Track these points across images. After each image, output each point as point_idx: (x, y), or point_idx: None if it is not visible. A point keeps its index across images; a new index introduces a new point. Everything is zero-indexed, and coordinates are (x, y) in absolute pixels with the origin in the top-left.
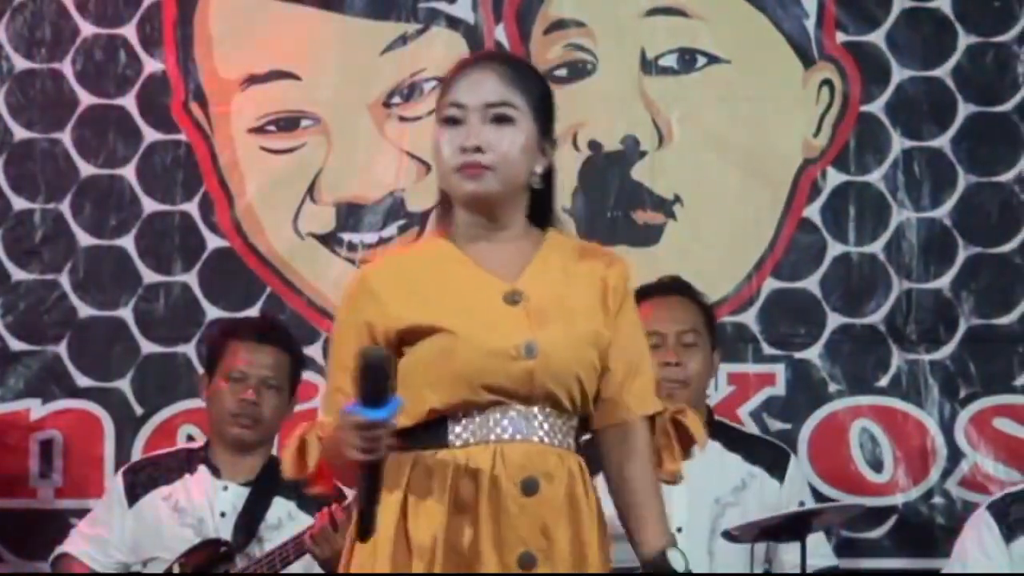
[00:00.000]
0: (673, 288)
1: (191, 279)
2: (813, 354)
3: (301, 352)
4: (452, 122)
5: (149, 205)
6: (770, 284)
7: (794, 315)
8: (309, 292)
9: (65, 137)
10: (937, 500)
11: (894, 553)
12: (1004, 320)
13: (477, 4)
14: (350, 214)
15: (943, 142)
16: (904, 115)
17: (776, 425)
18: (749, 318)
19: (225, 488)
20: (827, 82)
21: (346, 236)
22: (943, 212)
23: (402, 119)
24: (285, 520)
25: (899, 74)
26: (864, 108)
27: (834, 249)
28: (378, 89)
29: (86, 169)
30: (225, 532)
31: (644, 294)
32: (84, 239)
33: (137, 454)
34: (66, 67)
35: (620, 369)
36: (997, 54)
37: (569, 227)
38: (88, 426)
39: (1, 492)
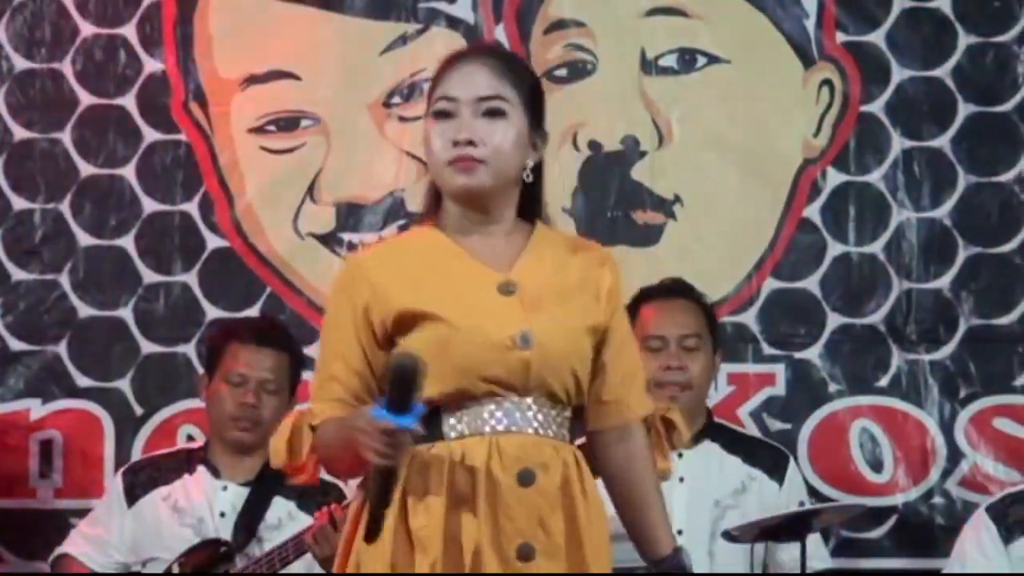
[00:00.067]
0: (675, 290)
1: (191, 279)
2: (813, 354)
3: (301, 352)
4: (443, 115)
5: (149, 205)
6: (770, 284)
7: (794, 315)
8: (309, 292)
9: (65, 137)
10: (937, 500)
11: (894, 553)
12: (1004, 320)
13: (477, 4)
14: (350, 214)
15: (943, 142)
16: (904, 115)
17: (776, 425)
18: (749, 318)
19: (224, 488)
20: (827, 82)
21: (346, 236)
22: (943, 212)
23: (402, 119)
24: (285, 520)
25: (899, 74)
26: (864, 108)
27: (834, 249)
28: (378, 89)
29: (86, 169)
30: (225, 532)
31: (645, 296)
32: (84, 239)
33: (137, 454)
34: (66, 67)
35: (620, 371)
36: (997, 54)
37: (567, 226)
38: (88, 426)
39: (1, 492)
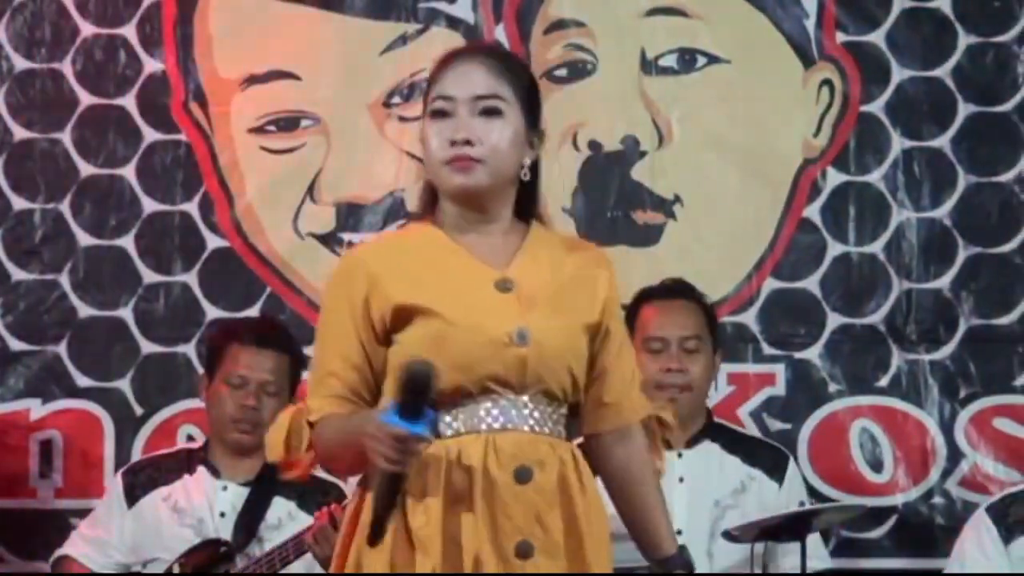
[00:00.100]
0: (675, 291)
1: (191, 279)
2: (813, 354)
3: (301, 353)
4: (440, 115)
5: (149, 205)
6: (770, 284)
7: (794, 315)
8: (309, 292)
9: (65, 137)
10: (937, 500)
11: (894, 553)
12: (1004, 320)
13: (477, 4)
14: (350, 214)
15: (943, 142)
16: (904, 115)
17: (776, 425)
18: (749, 318)
19: (224, 488)
20: (827, 82)
21: (346, 236)
22: (943, 212)
23: (402, 119)
24: (285, 520)
25: (899, 74)
26: (864, 108)
27: (834, 249)
28: (378, 89)
29: (86, 169)
30: (225, 532)
31: (646, 297)
32: (84, 239)
33: (137, 454)
34: (66, 67)
35: (620, 373)
36: (997, 54)
37: (567, 226)
38: (88, 426)
39: (1, 492)
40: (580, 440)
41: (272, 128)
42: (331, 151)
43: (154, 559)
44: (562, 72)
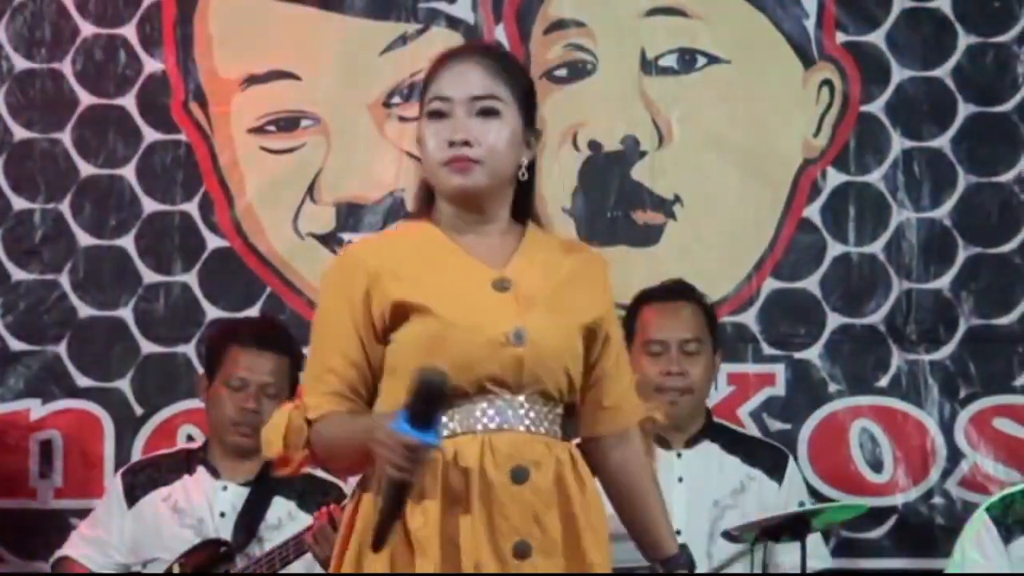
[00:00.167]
0: (676, 292)
1: (191, 279)
2: (813, 354)
3: (301, 354)
4: (438, 115)
5: (149, 205)
6: (770, 284)
7: (794, 315)
8: (309, 292)
9: (65, 137)
10: (937, 500)
11: (894, 553)
12: (1004, 320)
13: (477, 4)
14: (350, 214)
15: (943, 142)
16: (904, 115)
17: (776, 425)
18: (749, 318)
19: (224, 488)
20: (827, 82)
21: (346, 236)
22: (943, 212)
23: (402, 119)
24: (285, 520)
25: (899, 74)
26: (864, 108)
27: (834, 249)
28: (378, 89)
29: (86, 169)
30: (225, 532)
31: (646, 298)
32: (84, 239)
33: (137, 454)
34: (66, 67)
35: (619, 378)
36: (997, 54)
37: (567, 226)
38: (88, 426)
39: (1, 492)
40: (578, 441)
41: (272, 128)
42: (331, 151)
43: (154, 559)
44: (562, 72)
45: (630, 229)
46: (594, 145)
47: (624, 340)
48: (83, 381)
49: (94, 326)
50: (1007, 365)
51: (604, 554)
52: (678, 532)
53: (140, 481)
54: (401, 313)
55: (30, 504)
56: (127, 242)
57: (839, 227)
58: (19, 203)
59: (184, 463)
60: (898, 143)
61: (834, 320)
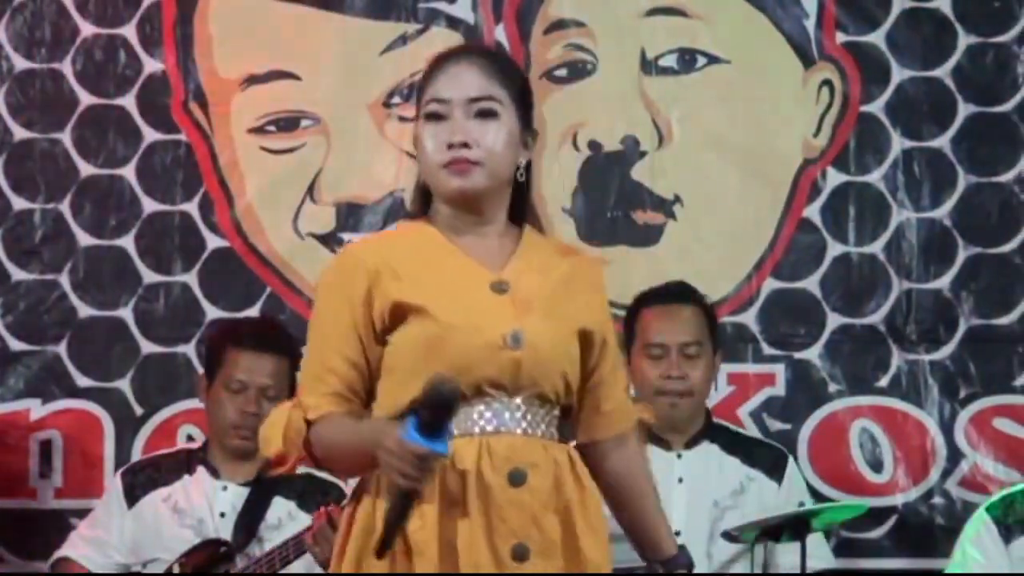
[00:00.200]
0: (675, 295)
1: (191, 279)
2: (813, 354)
3: (300, 354)
4: (435, 117)
5: (149, 205)
6: (770, 284)
7: (794, 315)
8: (309, 292)
9: (65, 137)
10: (937, 500)
11: (894, 553)
12: (1004, 320)
13: (477, 4)
14: (350, 214)
15: (943, 142)
16: (904, 115)
17: (776, 425)
18: (749, 318)
19: (224, 488)
20: (827, 82)
21: (346, 236)
22: (943, 212)
23: (402, 119)
24: (285, 520)
25: (899, 74)
26: (864, 108)
27: (834, 249)
28: (378, 89)
29: (86, 169)
30: (225, 532)
31: (646, 300)
32: (84, 239)
33: (137, 454)
34: (66, 67)
35: (615, 382)
36: (997, 54)
37: (567, 226)
38: (88, 426)
39: (1, 492)
40: (573, 444)
41: (272, 128)
42: (331, 151)
43: (154, 559)
44: (562, 72)
45: (630, 229)
46: (594, 145)
47: (623, 342)
48: (83, 381)
49: (94, 326)
50: (1007, 365)
51: (604, 555)
52: (678, 533)
53: (140, 481)
54: (400, 314)
55: (30, 504)
56: (127, 242)
57: (839, 227)
58: (19, 203)
59: (184, 463)
60: (898, 143)
61: (834, 320)
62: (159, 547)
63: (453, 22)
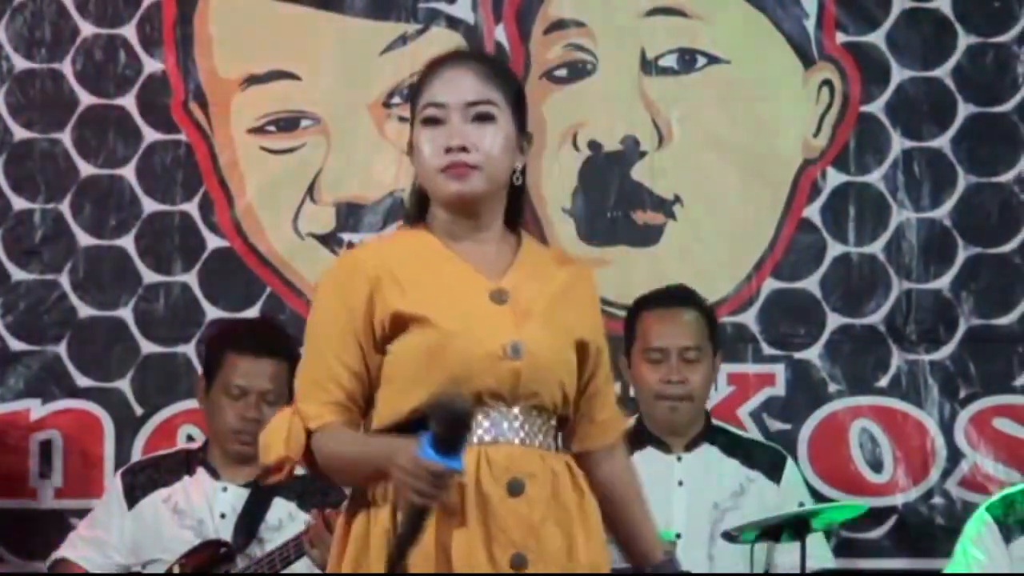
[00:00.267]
0: (675, 298)
1: (191, 279)
2: (813, 354)
3: (300, 355)
4: (432, 122)
5: (149, 205)
6: (770, 284)
7: (794, 315)
8: (309, 292)
9: (65, 137)
10: (937, 500)
11: (894, 553)
12: (1004, 320)
13: (477, 4)
14: (350, 214)
15: (943, 142)
16: (904, 115)
17: (776, 425)
18: (749, 318)
19: (224, 489)
20: (827, 82)
21: (346, 236)
22: (943, 212)
23: (402, 119)
24: (286, 521)
25: (899, 74)
26: (864, 108)
27: (834, 249)
28: (378, 89)
29: (86, 169)
30: (225, 533)
31: (645, 304)
32: (84, 239)
33: (137, 454)
34: (66, 67)
35: (608, 391)
36: (997, 54)
37: (567, 226)
38: (88, 426)
39: (1, 492)
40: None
41: (272, 128)
42: (331, 151)
43: (154, 560)
44: (562, 72)
45: (630, 229)
46: (594, 145)
47: (623, 345)
48: (83, 381)
49: (94, 326)
50: (1007, 365)
51: (603, 565)
52: (678, 535)
53: (140, 482)
54: (400, 323)
55: (30, 504)
56: (127, 242)
57: (839, 227)
58: (19, 203)
59: (184, 464)
60: (898, 143)
61: (834, 320)
62: (159, 548)
63: (453, 22)
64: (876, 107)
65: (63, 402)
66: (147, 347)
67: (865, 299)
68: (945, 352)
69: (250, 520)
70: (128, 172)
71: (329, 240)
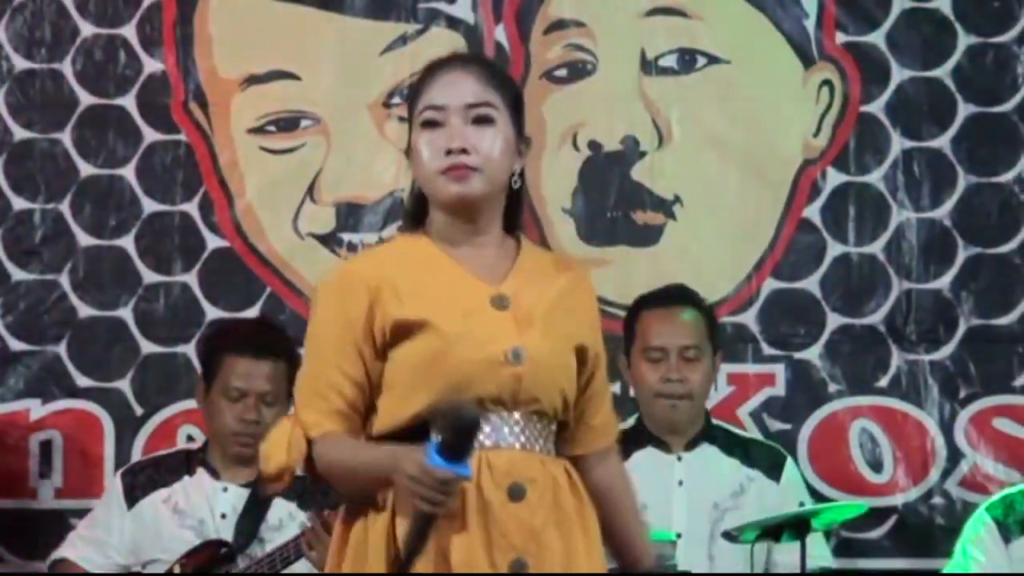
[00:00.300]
0: (675, 298)
1: (191, 279)
2: (813, 354)
3: (297, 355)
4: (431, 125)
5: (149, 205)
6: (770, 284)
7: (794, 315)
8: (309, 292)
9: (65, 137)
10: (937, 500)
11: (894, 553)
12: (1004, 320)
13: (477, 4)
14: (350, 214)
15: (943, 142)
16: (904, 115)
17: (776, 425)
18: (749, 318)
19: (225, 489)
20: (827, 82)
21: (346, 236)
22: (943, 212)
23: (402, 119)
24: (286, 520)
25: (899, 74)
26: (864, 108)
27: (834, 249)
28: (378, 89)
29: (86, 169)
30: (226, 533)
31: (645, 303)
32: (84, 239)
33: (137, 454)
34: (66, 67)
35: (605, 397)
36: (997, 54)
37: (567, 226)
38: (88, 426)
39: (1, 492)
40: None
41: (272, 128)
42: (331, 151)
43: (154, 560)
44: (562, 72)
45: (630, 229)
46: (594, 145)
47: (623, 345)
48: (83, 381)
49: (94, 326)
50: (1007, 365)
51: (603, 567)
52: (679, 535)
53: (140, 482)
54: (401, 332)
55: (30, 504)
56: (127, 242)
57: (839, 227)
58: (19, 203)
59: (184, 464)
60: (898, 143)
61: (834, 320)
62: (159, 548)
63: (453, 22)
64: (876, 107)
65: (63, 402)
66: (147, 347)
67: (865, 299)
68: (945, 352)
69: (251, 520)
70: (128, 172)
71: (329, 240)
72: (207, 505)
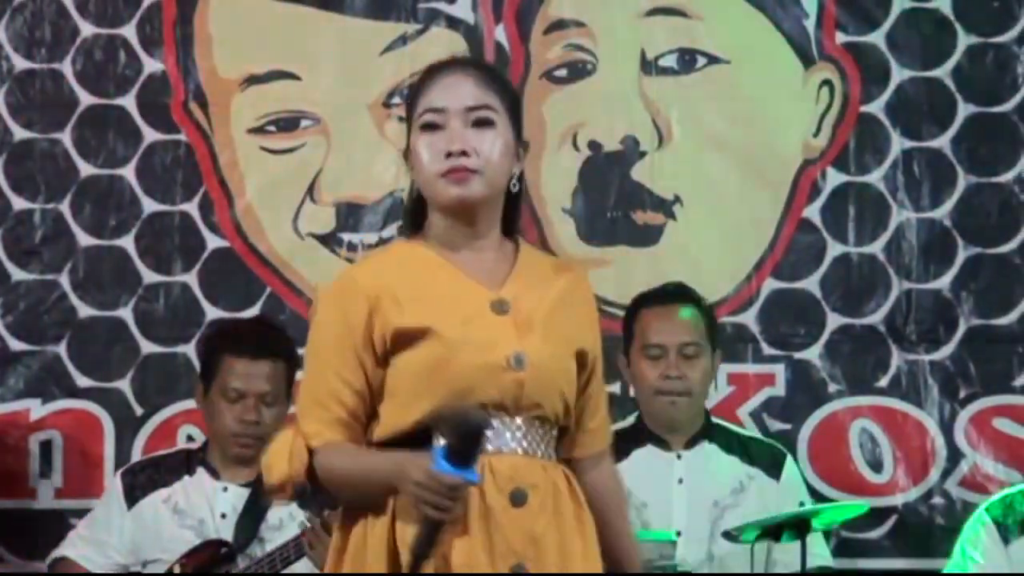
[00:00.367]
0: (674, 296)
1: (191, 279)
2: (813, 354)
3: (296, 355)
4: (431, 127)
5: (149, 205)
6: (770, 284)
7: (794, 315)
8: (309, 292)
9: (65, 137)
10: (937, 500)
11: (894, 553)
12: (1004, 320)
13: (477, 4)
14: (350, 214)
15: (943, 142)
16: (904, 115)
17: (776, 425)
18: (749, 318)
19: (225, 489)
20: (827, 82)
21: (346, 236)
22: (943, 212)
23: (402, 119)
24: (286, 520)
25: (899, 74)
26: (864, 108)
27: (834, 249)
28: (378, 89)
29: (86, 169)
30: (226, 533)
31: (645, 302)
32: (84, 239)
33: (137, 454)
34: (66, 67)
35: (599, 400)
36: (997, 54)
37: (567, 226)
38: (88, 426)
39: (1, 492)
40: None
41: (272, 128)
42: (331, 151)
43: (154, 560)
44: (562, 72)
45: (630, 229)
46: (594, 145)
47: (623, 343)
48: (83, 381)
49: (94, 326)
50: (1007, 365)
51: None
52: (679, 533)
53: (140, 482)
54: (402, 339)
55: (30, 504)
56: (127, 242)
57: (839, 227)
58: (19, 203)
59: (184, 464)
60: (898, 143)
61: (834, 320)
62: (159, 548)
63: (453, 22)
64: (876, 107)
65: (63, 402)
66: (147, 347)
67: (865, 299)
68: (945, 352)
69: (251, 520)
70: (128, 172)
71: (329, 240)
72: (207, 505)
